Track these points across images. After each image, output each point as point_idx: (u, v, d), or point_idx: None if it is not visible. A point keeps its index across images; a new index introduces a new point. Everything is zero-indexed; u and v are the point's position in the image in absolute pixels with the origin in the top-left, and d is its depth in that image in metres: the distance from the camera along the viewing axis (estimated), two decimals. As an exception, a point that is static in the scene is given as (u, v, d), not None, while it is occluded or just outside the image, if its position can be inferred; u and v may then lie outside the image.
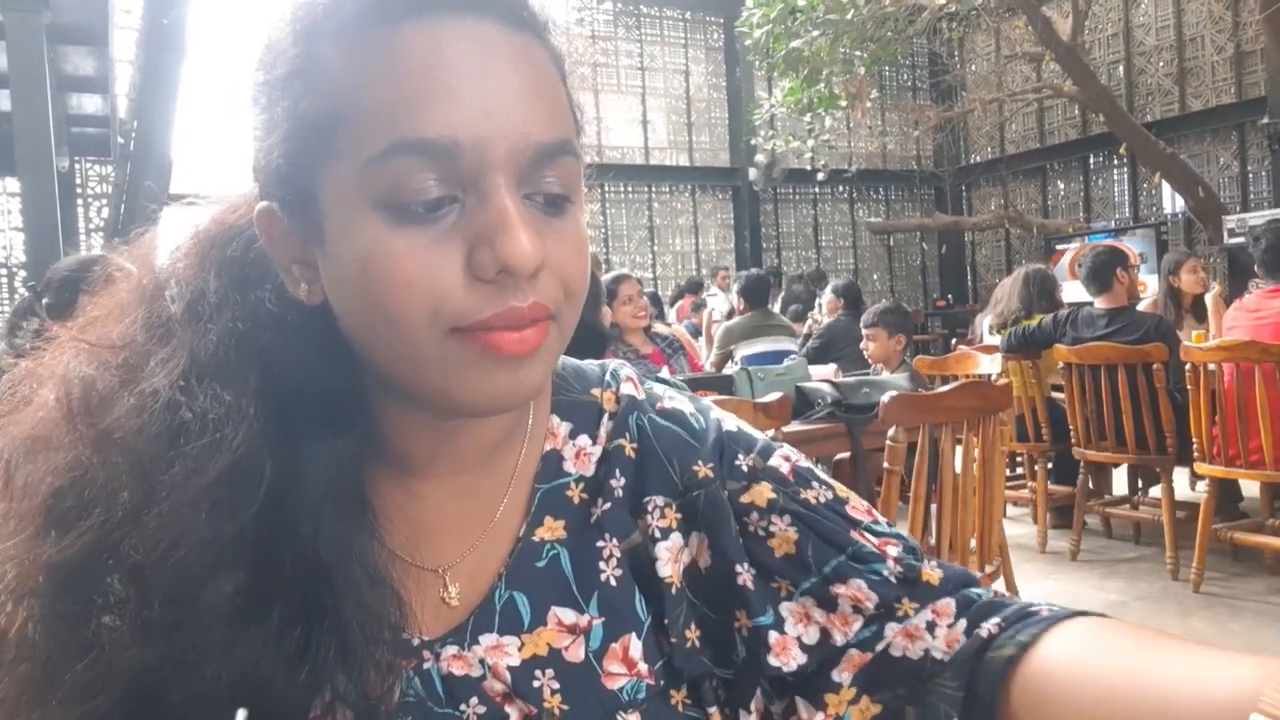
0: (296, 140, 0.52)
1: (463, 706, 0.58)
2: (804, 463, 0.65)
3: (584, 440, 0.65)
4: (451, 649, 0.59)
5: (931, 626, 0.58)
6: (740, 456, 0.64)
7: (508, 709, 0.58)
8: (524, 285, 0.51)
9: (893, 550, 0.61)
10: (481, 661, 0.59)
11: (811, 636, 0.60)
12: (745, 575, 0.61)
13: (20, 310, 2.26)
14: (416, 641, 0.59)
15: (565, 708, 0.58)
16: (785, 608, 0.61)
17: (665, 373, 3.53)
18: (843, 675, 0.59)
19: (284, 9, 0.53)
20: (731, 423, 0.67)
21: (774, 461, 0.64)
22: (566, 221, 0.54)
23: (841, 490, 0.64)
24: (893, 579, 0.60)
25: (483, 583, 0.61)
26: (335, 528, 0.54)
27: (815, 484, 0.64)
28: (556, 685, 0.59)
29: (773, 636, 0.60)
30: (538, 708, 0.58)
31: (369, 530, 0.56)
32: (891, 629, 0.59)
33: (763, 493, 0.62)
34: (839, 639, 0.59)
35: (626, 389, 0.67)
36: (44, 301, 2.18)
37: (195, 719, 0.50)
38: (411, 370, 0.52)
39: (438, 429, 0.59)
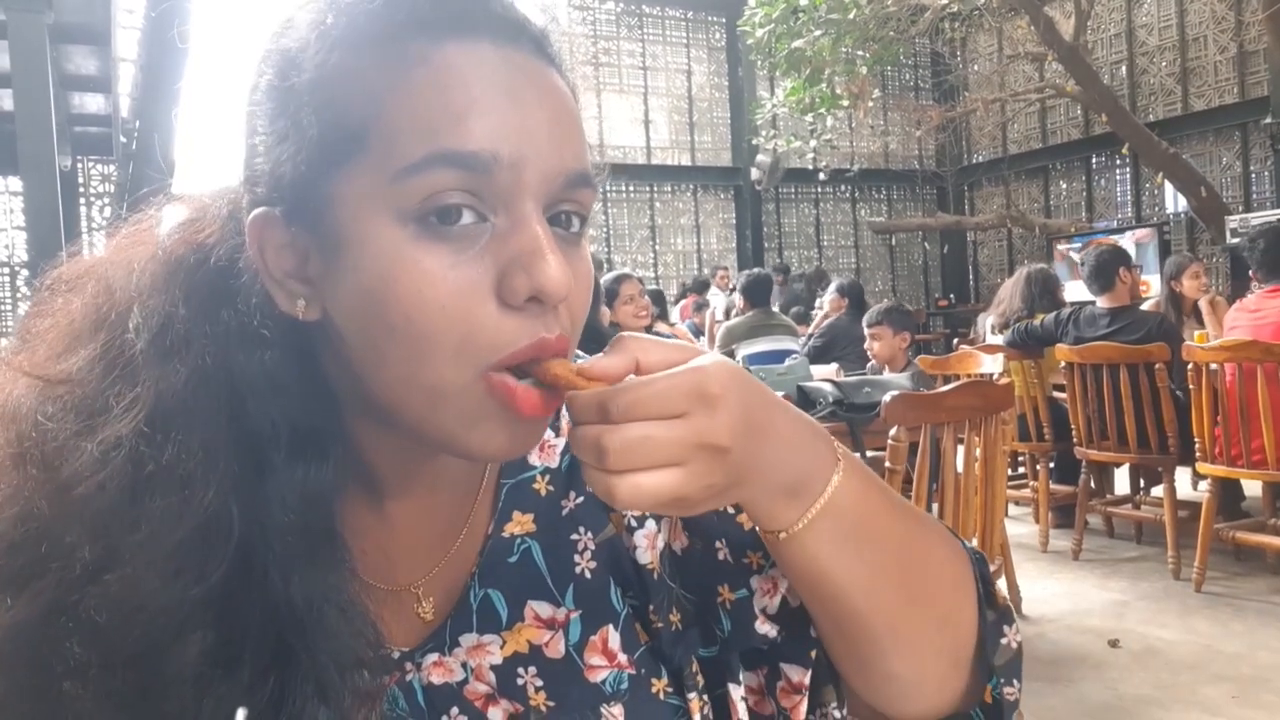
0: (318, 146, 0.49)
1: (444, 718, 0.59)
2: None
3: (547, 432, 0.64)
4: (432, 656, 0.59)
5: None
6: None
7: (490, 712, 0.59)
8: (549, 316, 0.50)
9: None
10: (464, 665, 0.59)
11: (773, 607, 0.62)
12: (724, 550, 0.63)
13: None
14: (397, 654, 0.59)
15: (551, 704, 0.59)
16: (754, 581, 0.62)
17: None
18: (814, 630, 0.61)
19: (306, 16, 0.52)
20: None
21: None
22: (581, 252, 0.54)
23: None
24: None
25: (456, 587, 0.61)
26: (306, 572, 0.51)
27: None
28: (540, 683, 0.59)
29: (756, 607, 0.62)
30: (524, 705, 0.59)
31: (340, 566, 0.54)
32: None
33: None
34: (793, 601, 0.61)
35: None
36: None
37: None
38: (419, 402, 0.50)
39: (416, 453, 0.57)
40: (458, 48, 0.49)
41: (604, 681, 0.60)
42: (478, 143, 0.48)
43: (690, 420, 0.45)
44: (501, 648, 0.60)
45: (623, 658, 0.61)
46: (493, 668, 0.59)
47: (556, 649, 0.60)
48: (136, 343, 0.52)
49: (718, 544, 0.63)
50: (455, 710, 0.59)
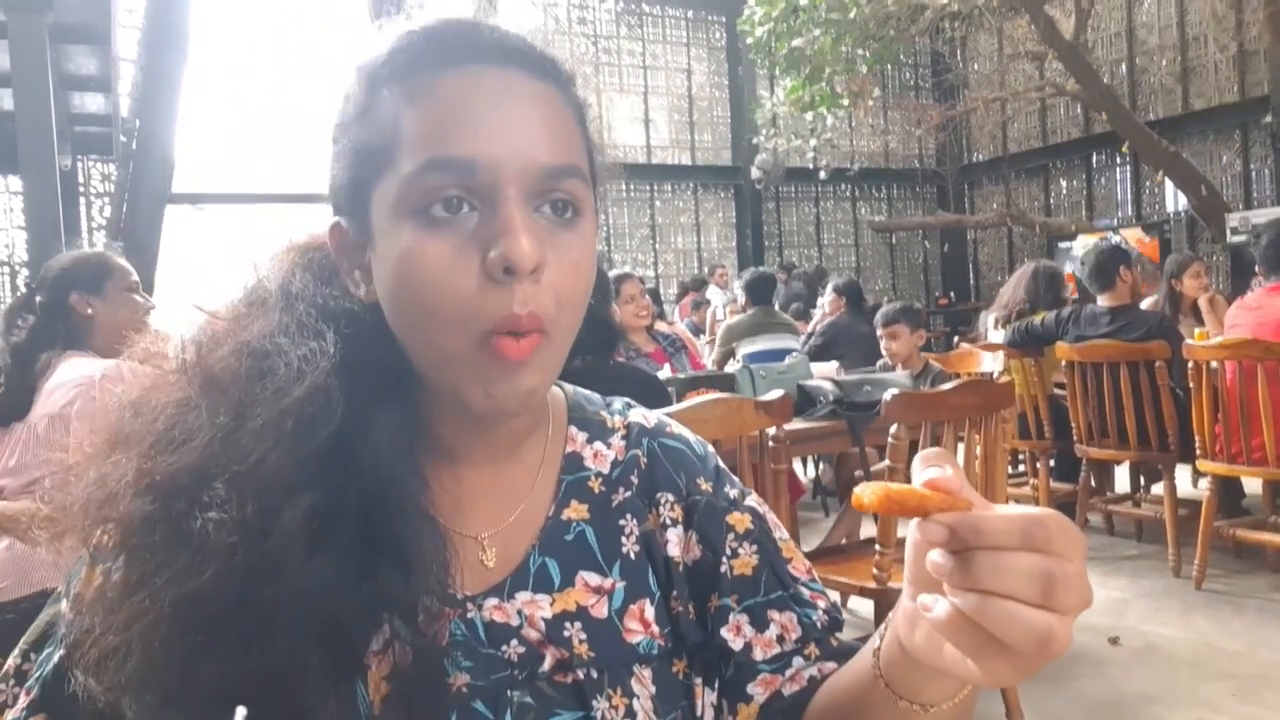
0: (358, 164, 0.64)
1: (504, 647, 0.67)
2: (770, 512, 0.80)
3: (599, 445, 0.78)
4: (492, 601, 0.69)
5: (812, 680, 0.73)
6: (728, 487, 0.79)
7: (543, 651, 0.68)
8: (524, 293, 0.59)
9: (822, 604, 0.77)
10: (519, 612, 0.69)
11: (738, 645, 0.73)
12: (725, 566, 0.75)
13: (15, 307, 2.25)
14: (461, 596, 0.67)
15: (592, 654, 0.69)
16: (723, 629, 0.74)
17: (667, 370, 3.51)
18: (755, 690, 0.73)
19: (355, 63, 0.66)
20: (719, 460, 0.81)
21: (750, 501, 0.79)
22: (572, 234, 0.63)
23: (789, 549, 0.79)
24: (817, 625, 0.75)
25: (517, 552, 0.71)
26: (395, 470, 0.63)
27: (777, 531, 0.79)
28: (584, 636, 0.69)
29: (731, 617, 0.74)
30: (569, 651, 0.68)
31: (420, 485, 0.65)
32: (796, 663, 0.74)
33: (743, 521, 0.77)
34: (758, 655, 0.73)
35: (636, 419, 0.80)
36: (38, 299, 2.18)
37: (276, 625, 0.57)
38: (436, 364, 0.63)
39: (472, 421, 0.68)
40: (454, 74, 0.61)
41: (638, 644, 0.71)
42: (460, 149, 0.60)
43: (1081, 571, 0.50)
44: (551, 605, 0.69)
45: (655, 629, 0.72)
46: (544, 619, 0.69)
47: (601, 611, 0.71)
48: (270, 288, 0.68)
49: (723, 560, 0.75)
50: (515, 642, 0.68)
